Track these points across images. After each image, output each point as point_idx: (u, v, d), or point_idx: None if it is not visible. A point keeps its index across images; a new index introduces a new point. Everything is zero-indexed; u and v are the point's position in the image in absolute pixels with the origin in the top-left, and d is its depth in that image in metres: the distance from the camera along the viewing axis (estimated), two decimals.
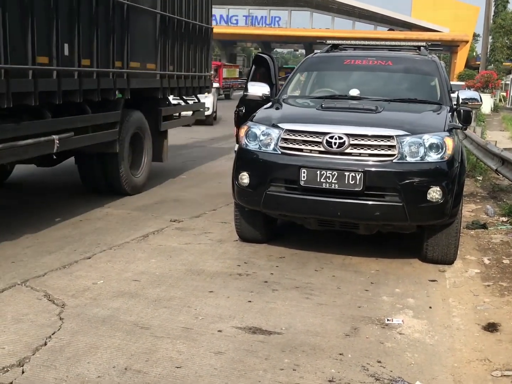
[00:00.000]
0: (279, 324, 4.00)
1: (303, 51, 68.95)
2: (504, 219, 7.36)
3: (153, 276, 4.86)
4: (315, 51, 7.63)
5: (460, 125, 5.76)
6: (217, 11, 61.61)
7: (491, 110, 30.87)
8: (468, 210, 7.77)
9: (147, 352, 3.52)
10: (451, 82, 28.37)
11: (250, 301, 4.38)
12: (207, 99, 16.01)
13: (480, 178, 10.32)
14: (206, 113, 14.85)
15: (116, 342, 3.64)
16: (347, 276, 5.06)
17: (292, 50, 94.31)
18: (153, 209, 7.32)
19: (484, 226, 6.90)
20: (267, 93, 6.48)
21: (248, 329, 3.90)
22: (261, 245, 5.83)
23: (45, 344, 3.58)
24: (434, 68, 6.53)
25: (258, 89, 6.54)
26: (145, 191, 8.36)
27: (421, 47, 7.26)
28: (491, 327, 4.09)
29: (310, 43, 55.56)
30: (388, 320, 4.15)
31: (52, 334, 3.70)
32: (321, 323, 4.06)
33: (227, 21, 60.69)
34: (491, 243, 6.29)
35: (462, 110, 5.78)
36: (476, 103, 6.18)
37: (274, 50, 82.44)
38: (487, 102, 28.77)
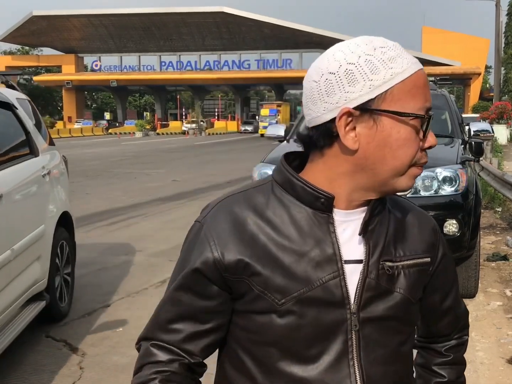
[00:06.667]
0: None
1: None
2: None
3: None
4: None
5: (472, 157, 5.75)
6: (230, 56, 63.03)
7: (507, 140, 30.68)
8: (488, 242, 7.68)
9: None
10: (466, 115, 28.03)
11: None
12: None
13: (499, 209, 10.21)
14: None
15: None
16: None
17: None
18: (171, 254, 7.33)
19: (505, 258, 6.81)
20: (282, 133, 6.74)
21: None
22: None
23: None
24: (444, 102, 6.56)
25: (275, 130, 6.98)
26: (165, 236, 8.39)
27: (430, 82, 7.30)
28: None
29: None
30: None
31: None
32: None
33: (239, 66, 61.89)
34: None
35: (473, 142, 5.78)
36: (487, 134, 6.20)
37: (287, 91, 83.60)
38: (503, 133, 28.67)
